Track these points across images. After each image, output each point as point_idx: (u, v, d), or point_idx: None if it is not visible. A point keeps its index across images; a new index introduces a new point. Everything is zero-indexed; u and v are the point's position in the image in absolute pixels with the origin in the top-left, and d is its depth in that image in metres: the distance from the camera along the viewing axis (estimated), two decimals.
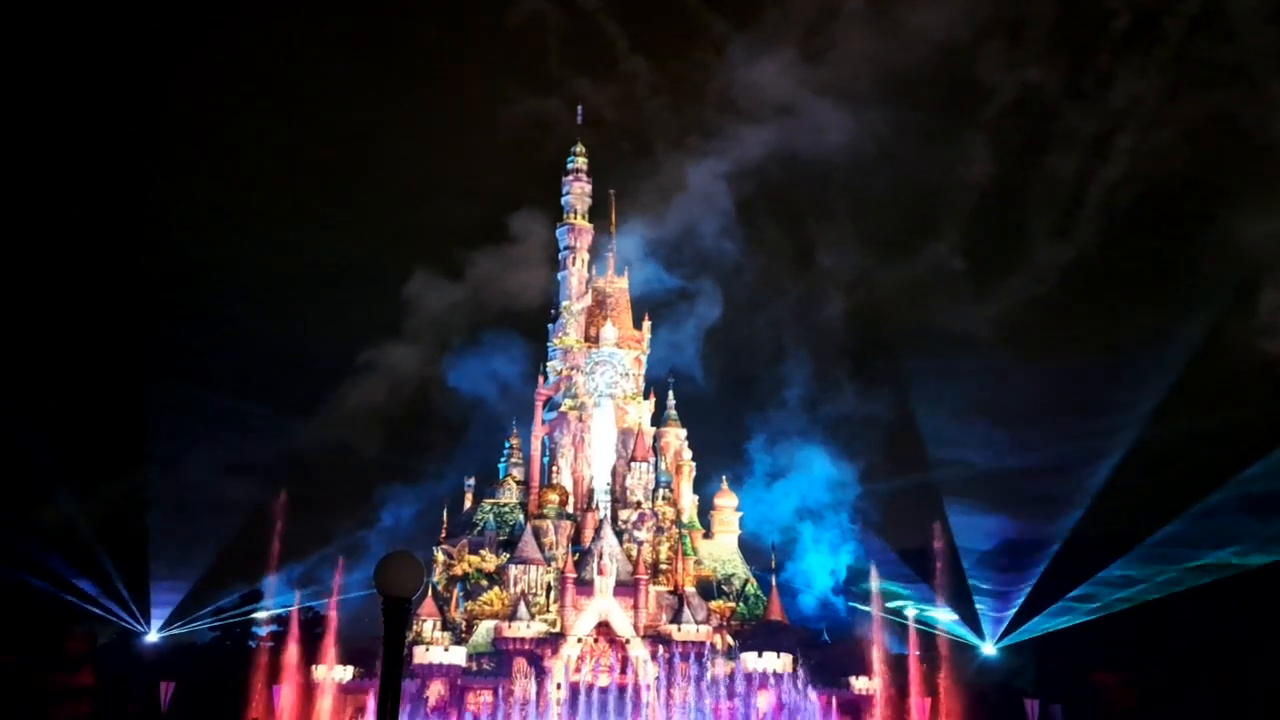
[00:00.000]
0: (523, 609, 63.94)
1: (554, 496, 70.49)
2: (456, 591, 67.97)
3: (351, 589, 63.76)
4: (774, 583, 69.99)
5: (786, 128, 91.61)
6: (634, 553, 67.35)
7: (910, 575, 66.25)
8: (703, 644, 63.93)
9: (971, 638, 66.79)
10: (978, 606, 67.27)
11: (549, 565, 67.33)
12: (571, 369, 75.22)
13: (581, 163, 79.53)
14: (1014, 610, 65.83)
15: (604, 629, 64.20)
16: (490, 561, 68.65)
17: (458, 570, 68.81)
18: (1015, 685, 64.75)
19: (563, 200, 78.85)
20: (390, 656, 11.63)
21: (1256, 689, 59.39)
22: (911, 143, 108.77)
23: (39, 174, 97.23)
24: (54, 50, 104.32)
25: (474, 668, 62.65)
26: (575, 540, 69.18)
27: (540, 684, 61.89)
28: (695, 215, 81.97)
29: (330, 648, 61.61)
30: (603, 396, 74.37)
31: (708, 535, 74.02)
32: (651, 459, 72.41)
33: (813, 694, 62.21)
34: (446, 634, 64.00)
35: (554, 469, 73.80)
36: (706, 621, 65.51)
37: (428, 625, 64.29)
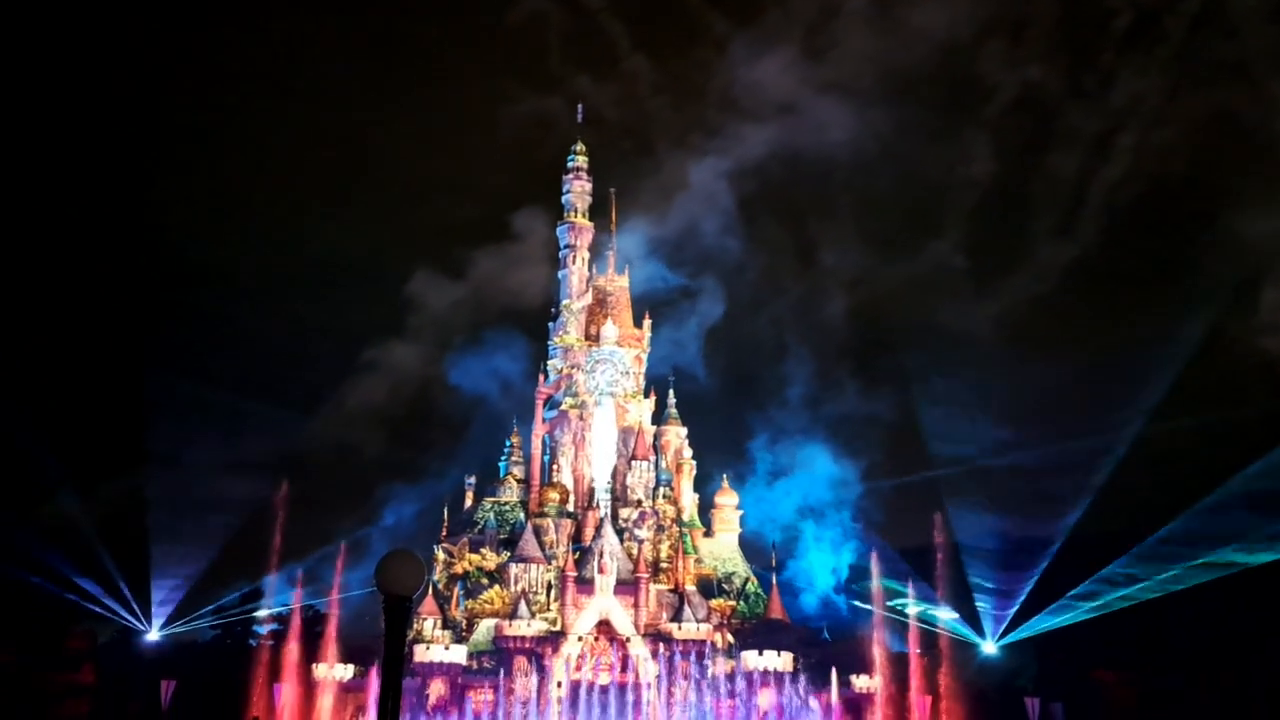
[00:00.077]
0: (523, 607, 63.92)
1: (554, 495, 70.48)
2: (457, 590, 67.96)
3: (352, 587, 63.83)
4: (774, 581, 70.01)
5: (788, 126, 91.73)
6: (634, 551, 67.33)
7: (911, 573, 66.16)
8: (703, 642, 63.91)
9: (972, 636, 66.76)
10: (978, 605, 67.24)
11: (549, 564, 67.32)
12: (572, 367, 75.20)
13: (582, 161, 79.47)
14: (1015, 608, 65.78)
15: (604, 627, 64.18)
16: (491, 560, 68.64)
17: (458, 569, 68.79)
18: (1016, 684, 64.73)
19: (563, 199, 78.81)
20: (391, 655, 11.60)
21: (1258, 687, 59.37)
22: (913, 141, 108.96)
23: (39, 173, 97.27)
24: (55, 50, 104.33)
25: (474, 666, 62.64)
26: (576, 539, 69.18)
27: (541, 682, 61.89)
28: (697, 213, 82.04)
29: (331, 646, 61.62)
30: (603, 395, 74.35)
31: (708, 534, 74.02)
32: (652, 457, 72.41)
33: (815, 702, 62.19)
34: (447, 632, 64.00)
35: (554, 467, 73.79)
36: (707, 620, 65.49)
37: (428, 624, 64.29)
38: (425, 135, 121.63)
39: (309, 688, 60.86)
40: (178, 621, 65.74)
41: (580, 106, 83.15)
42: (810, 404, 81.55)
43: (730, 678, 63.39)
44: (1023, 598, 65.49)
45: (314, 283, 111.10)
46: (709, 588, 69.89)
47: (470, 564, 68.67)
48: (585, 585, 64.78)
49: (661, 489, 71.23)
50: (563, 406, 74.30)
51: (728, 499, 75.36)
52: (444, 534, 70.62)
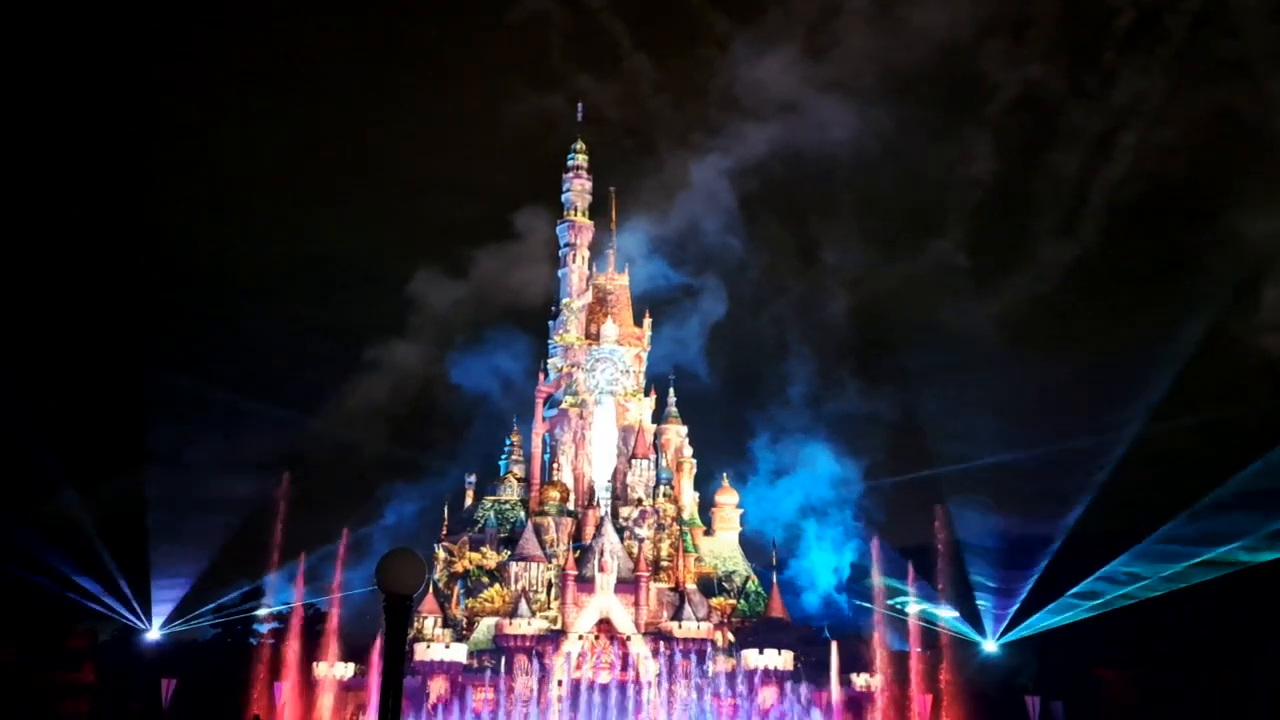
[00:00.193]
0: (524, 606, 63.92)
1: (555, 493, 70.48)
2: (457, 589, 67.98)
3: (353, 586, 63.82)
4: (774, 580, 70.03)
5: (790, 125, 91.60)
6: (635, 550, 67.33)
7: (912, 572, 66.16)
8: (704, 641, 63.92)
9: (973, 634, 66.74)
10: (979, 603, 67.20)
11: (550, 562, 67.32)
12: (572, 366, 75.20)
13: (582, 160, 79.46)
14: (1015, 607, 65.74)
15: (605, 626, 64.17)
16: (491, 558, 68.66)
17: (459, 567, 68.81)
18: (1016, 682, 64.72)
19: (563, 197, 78.82)
20: (391, 654, 11.58)
21: (1259, 686, 59.33)
22: (914, 140, 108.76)
23: (39, 173, 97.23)
24: (54, 49, 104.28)
25: (475, 665, 62.63)
26: (576, 537, 69.20)
27: (541, 681, 61.89)
28: (699, 212, 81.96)
29: (332, 645, 61.65)
30: (603, 394, 74.34)
31: (709, 532, 74.04)
32: (652, 456, 72.42)
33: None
34: (447, 631, 64.01)
35: (555, 466, 73.79)
36: (707, 619, 65.49)
37: (429, 622, 64.31)
38: (426, 134, 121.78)
39: (309, 686, 60.89)
40: (178, 620, 65.72)
41: (580, 105, 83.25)
42: (812, 403, 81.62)
43: (731, 676, 63.41)
44: (1023, 596, 65.44)
45: (314, 282, 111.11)
46: (709, 586, 69.89)
47: (471, 562, 68.70)
48: (585, 584, 64.78)
49: (662, 487, 71.26)
50: (563, 405, 74.30)
51: (728, 497, 75.39)
52: (444, 533, 70.64)
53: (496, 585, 67.18)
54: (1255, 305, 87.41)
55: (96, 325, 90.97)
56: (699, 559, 70.92)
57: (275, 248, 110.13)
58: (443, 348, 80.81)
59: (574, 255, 77.51)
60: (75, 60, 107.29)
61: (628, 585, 65.00)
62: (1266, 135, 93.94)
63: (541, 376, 75.60)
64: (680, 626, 64.03)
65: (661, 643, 63.53)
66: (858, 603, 70.00)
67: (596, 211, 79.25)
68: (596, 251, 78.66)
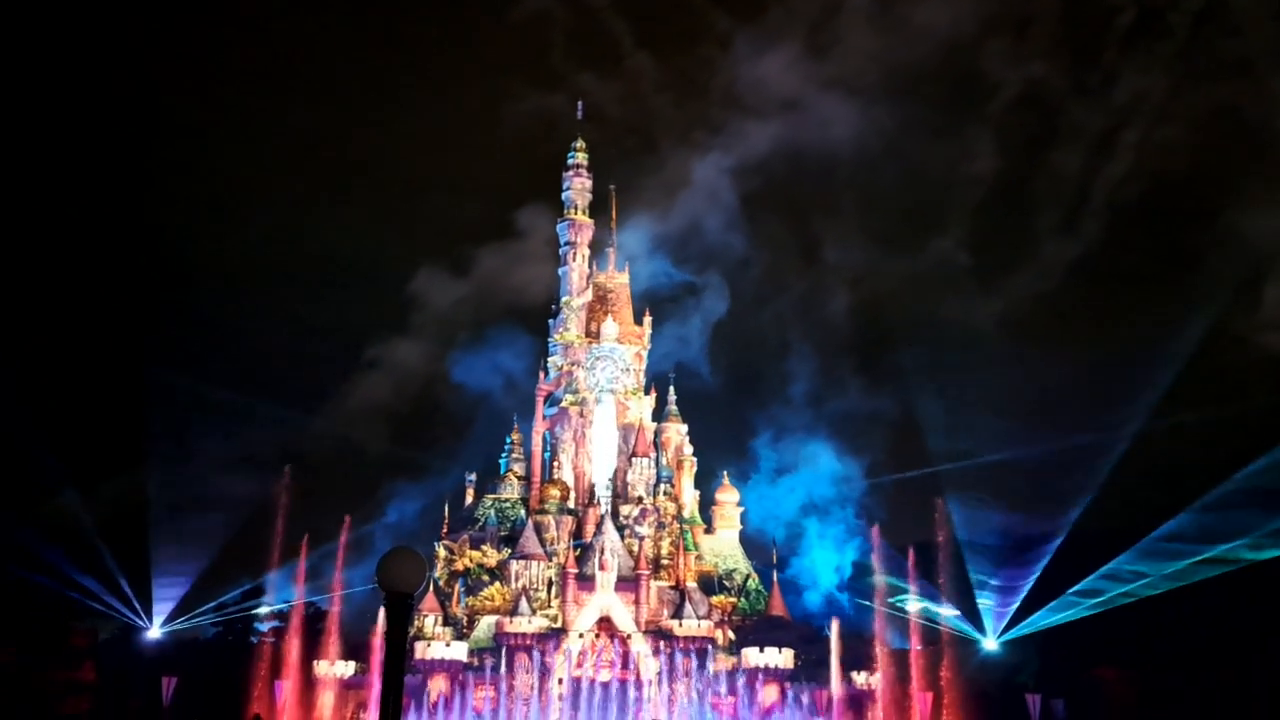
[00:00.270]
0: (524, 604, 63.92)
1: (555, 492, 70.47)
2: (458, 587, 67.98)
3: (354, 584, 63.82)
4: (775, 578, 70.00)
5: (791, 123, 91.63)
6: (635, 548, 67.32)
7: (913, 570, 66.12)
8: (704, 639, 63.92)
9: (973, 632, 66.70)
10: (980, 601, 67.18)
11: (550, 560, 67.32)
12: (572, 364, 75.18)
13: (582, 158, 79.41)
14: (1016, 605, 65.70)
15: (605, 624, 64.18)
16: (492, 557, 68.68)
17: (459, 565, 68.82)
18: (1017, 680, 64.65)
19: (564, 196, 78.78)
20: (392, 652, 11.55)
21: (1260, 685, 59.27)
22: (916, 138, 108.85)
23: (39, 172, 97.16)
24: (54, 49, 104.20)
25: (475, 663, 62.66)
26: (576, 535, 69.18)
27: (542, 679, 61.91)
28: (700, 210, 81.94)
29: (332, 643, 61.65)
30: (604, 392, 74.33)
31: (709, 530, 74.04)
32: (653, 454, 72.41)
33: (814, 700, 62.21)
34: (448, 629, 64.02)
35: (555, 464, 73.78)
36: (708, 617, 65.48)
37: (429, 621, 64.31)
38: (426, 134, 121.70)
39: (310, 685, 60.89)
40: (179, 618, 65.70)
41: (580, 103, 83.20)
42: (813, 401, 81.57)
43: (731, 675, 63.39)
44: (1024, 594, 65.41)
45: (315, 282, 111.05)
46: (710, 584, 69.88)
47: (471, 561, 68.70)
48: (586, 582, 64.79)
49: (662, 486, 71.29)
50: (563, 403, 74.28)
51: (729, 496, 75.35)
52: (445, 531, 70.66)
53: (497, 583, 67.19)
54: (1256, 303, 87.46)
55: (96, 325, 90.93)
56: (700, 557, 70.92)
57: (275, 248, 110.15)
58: (444, 346, 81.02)
59: (574, 254, 77.48)
60: (75, 60, 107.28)
61: (628, 583, 65.00)
62: (1268, 134, 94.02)
63: (542, 375, 75.62)
64: (681, 625, 64.02)
65: (662, 641, 63.53)
66: (858, 601, 69.99)
67: (597, 210, 79.38)
68: (597, 250, 78.77)
